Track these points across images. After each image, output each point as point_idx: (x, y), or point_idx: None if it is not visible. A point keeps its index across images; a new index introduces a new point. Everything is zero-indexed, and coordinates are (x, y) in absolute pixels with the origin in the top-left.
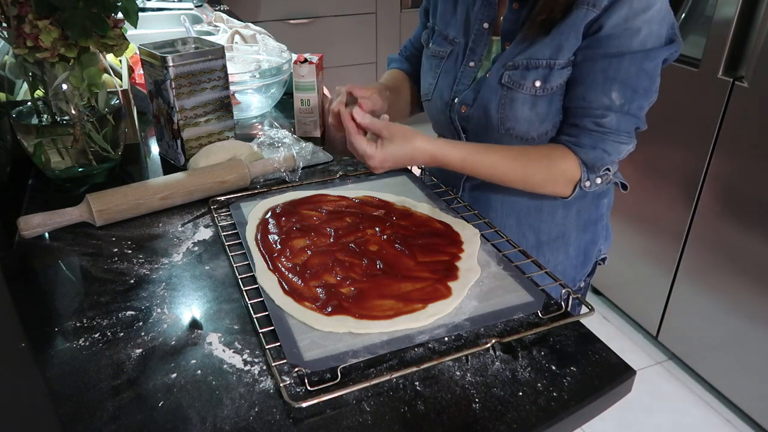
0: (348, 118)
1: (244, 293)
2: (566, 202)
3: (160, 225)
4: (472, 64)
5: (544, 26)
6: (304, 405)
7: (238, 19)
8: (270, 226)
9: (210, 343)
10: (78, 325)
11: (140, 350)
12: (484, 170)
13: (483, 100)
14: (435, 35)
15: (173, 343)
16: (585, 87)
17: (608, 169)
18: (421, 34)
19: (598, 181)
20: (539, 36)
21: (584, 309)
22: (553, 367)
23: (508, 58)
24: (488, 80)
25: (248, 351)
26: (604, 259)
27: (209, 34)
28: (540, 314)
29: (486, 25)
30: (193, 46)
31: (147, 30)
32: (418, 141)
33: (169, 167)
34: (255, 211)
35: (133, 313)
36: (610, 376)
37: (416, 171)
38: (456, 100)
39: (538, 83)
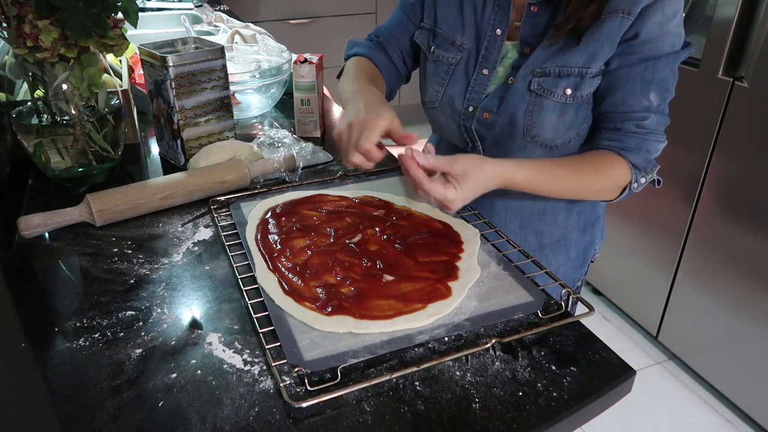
0: (415, 166)
1: (244, 293)
2: (568, 206)
3: (160, 225)
4: (485, 71)
5: (573, 33)
6: (304, 405)
7: (238, 19)
8: (270, 226)
9: (210, 343)
10: (78, 325)
11: (140, 350)
12: (547, 187)
13: (509, 107)
14: (438, 39)
15: (173, 343)
16: (624, 92)
17: (655, 167)
18: (402, 26)
19: (643, 180)
20: (569, 43)
21: (584, 309)
22: (553, 367)
23: (536, 64)
24: (515, 86)
25: (248, 351)
26: (596, 257)
27: (209, 34)
28: (540, 314)
29: (499, 32)
30: (193, 46)
31: (147, 30)
32: (488, 168)
33: (169, 167)
34: (255, 211)
35: (133, 313)
36: (610, 376)
37: None
38: (471, 109)
39: (569, 91)
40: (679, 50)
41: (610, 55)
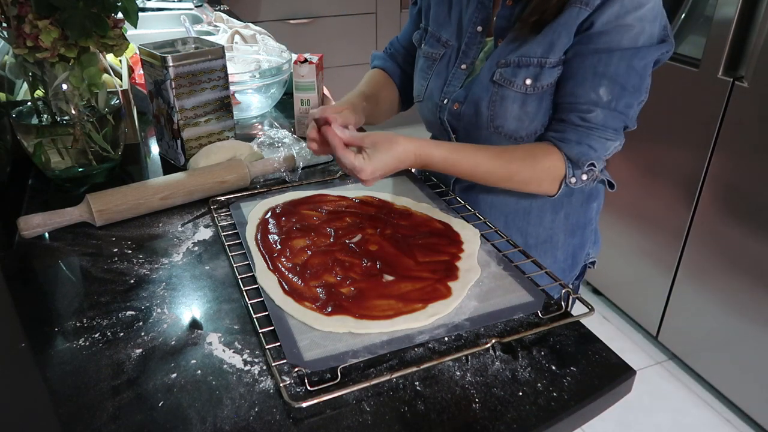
0: (333, 134)
1: (244, 293)
2: (554, 206)
3: (160, 225)
4: (464, 66)
5: (535, 26)
6: (304, 405)
7: (238, 19)
8: (270, 226)
9: (210, 343)
10: (78, 325)
11: (140, 350)
12: (466, 169)
13: (474, 97)
14: (428, 37)
15: (173, 343)
16: (574, 82)
17: (593, 165)
18: (410, 33)
19: (584, 177)
20: (530, 35)
21: (584, 309)
22: (553, 367)
23: (501, 55)
24: (479, 77)
25: (248, 351)
26: (593, 263)
27: (209, 34)
28: (540, 314)
29: (480, 28)
30: (193, 46)
31: (147, 30)
32: (401, 142)
33: (169, 167)
34: (255, 211)
35: (133, 313)
36: (610, 376)
37: (416, 171)
38: (446, 101)
39: (528, 81)
40: (641, 47)
41: (568, 45)
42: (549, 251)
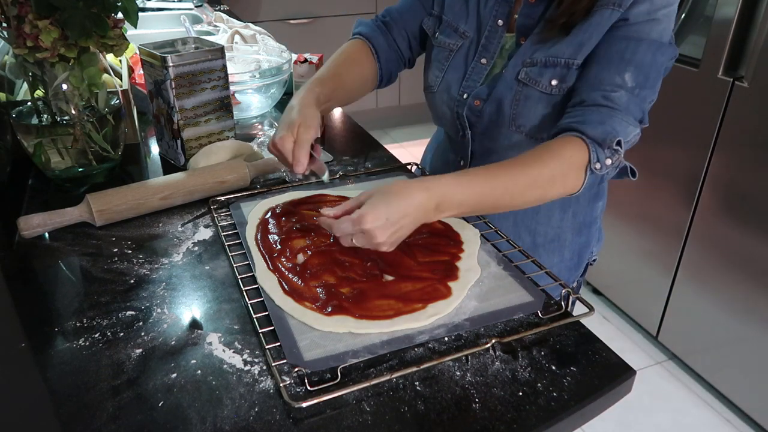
0: (323, 220)
1: (244, 293)
2: (563, 205)
3: (160, 225)
4: (484, 60)
5: (564, 27)
6: (304, 405)
7: (238, 19)
8: (270, 226)
9: (210, 343)
10: (78, 325)
11: (140, 350)
12: (486, 190)
13: (498, 95)
14: (443, 26)
15: (173, 343)
16: (599, 67)
17: (619, 145)
18: (411, 8)
19: (608, 162)
20: (559, 36)
21: (584, 309)
22: (553, 367)
23: (526, 54)
24: (504, 75)
25: (248, 351)
26: (594, 260)
27: (209, 34)
28: (540, 314)
29: (500, 22)
30: (193, 46)
31: (147, 30)
32: (401, 181)
33: (169, 167)
34: (255, 211)
35: (133, 313)
36: (610, 376)
37: (415, 170)
38: (465, 96)
39: (554, 82)
40: (663, 43)
41: (595, 45)
42: (557, 250)
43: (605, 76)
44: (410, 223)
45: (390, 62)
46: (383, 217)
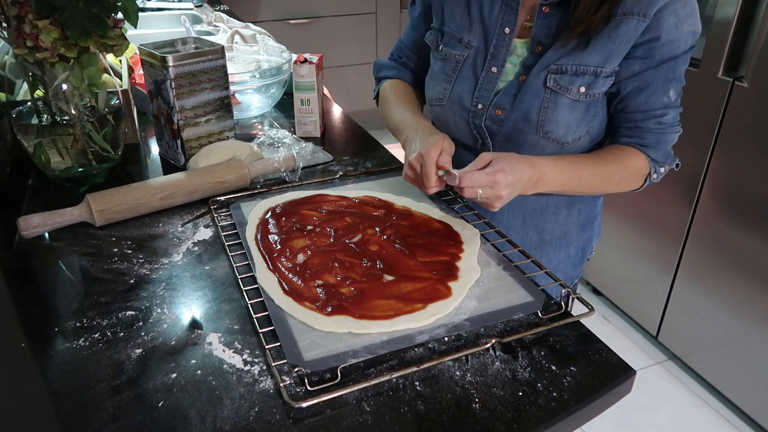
0: (454, 174)
1: (244, 293)
2: (569, 202)
3: (160, 225)
4: (494, 69)
5: (582, 36)
6: (304, 405)
7: (238, 19)
8: (270, 226)
9: (210, 343)
10: (78, 325)
11: (140, 350)
12: (576, 184)
13: (524, 104)
14: (446, 38)
15: (173, 343)
16: (648, 93)
17: (672, 161)
18: (414, 36)
19: (663, 170)
20: (581, 42)
21: (584, 309)
22: (553, 367)
23: (550, 62)
24: (528, 84)
25: (248, 351)
26: (592, 254)
27: (209, 34)
28: (540, 314)
29: (507, 30)
30: (193, 46)
31: (147, 30)
32: (523, 160)
33: (169, 167)
34: (255, 211)
35: (133, 313)
36: (610, 376)
37: None
38: (480, 106)
39: (582, 89)
40: (691, 47)
41: (623, 56)
42: (563, 246)
43: (654, 101)
44: (520, 189)
45: (420, 87)
46: (512, 176)
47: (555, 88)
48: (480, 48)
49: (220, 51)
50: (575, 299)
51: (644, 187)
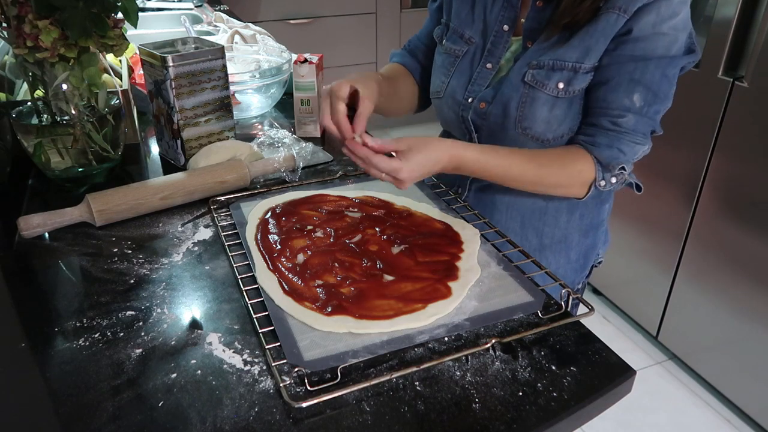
0: (359, 147)
1: (244, 293)
2: (570, 207)
3: (160, 225)
4: (489, 65)
5: (567, 28)
6: (304, 405)
7: (238, 19)
8: (270, 226)
9: (210, 343)
10: (78, 325)
11: (140, 350)
12: (498, 171)
13: (503, 97)
14: (449, 33)
15: (173, 343)
16: (608, 88)
17: (623, 168)
18: (430, 30)
19: (613, 180)
20: (563, 37)
21: (584, 309)
22: (553, 367)
23: (533, 57)
24: (510, 77)
25: (248, 351)
26: (600, 262)
27: (209, 34)
28: (540, 314)
29: (506, 27)
30: (193, 46)
31: (147, 30)
32: (435, 143)
33: (169, 167)
34: (255, 211)
35: (133, 313)
36: (610, 376)
37: None
38: (470, 100)
39: (561, 85)
40: (674, 55)
41: (603, 50)
42: (563, 251)
43: (613, 98)
44: (430, 174)
45: (427, 85)
46: (414, 172)
47: (532, 83)
48: (479, 44)
49: (220, 51)
50: (576, 299)
51: (588, 195)
